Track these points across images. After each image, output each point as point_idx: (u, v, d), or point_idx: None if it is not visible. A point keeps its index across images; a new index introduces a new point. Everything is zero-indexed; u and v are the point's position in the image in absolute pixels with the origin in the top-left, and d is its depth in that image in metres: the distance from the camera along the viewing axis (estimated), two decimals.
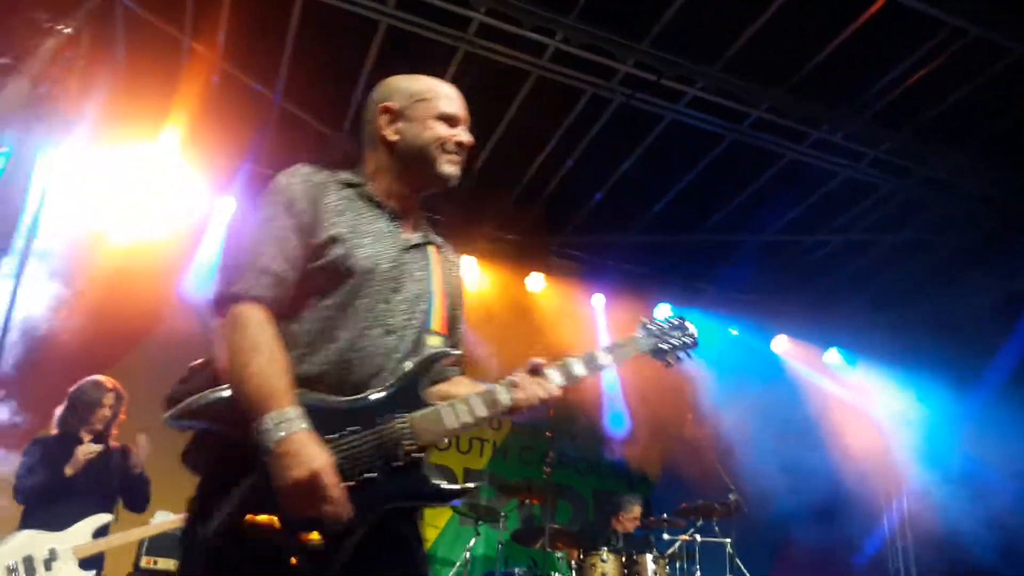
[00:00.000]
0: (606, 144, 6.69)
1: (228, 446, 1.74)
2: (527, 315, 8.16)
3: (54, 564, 4.44)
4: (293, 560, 1.67)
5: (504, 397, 1.95)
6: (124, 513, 4.92)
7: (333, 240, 1.91)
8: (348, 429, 1.77)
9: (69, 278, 5.40)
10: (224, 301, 1.84)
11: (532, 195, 7.46)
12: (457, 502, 1.68)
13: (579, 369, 2.11)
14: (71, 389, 4.85)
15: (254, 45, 5.79)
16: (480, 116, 6.96)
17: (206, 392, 1.77)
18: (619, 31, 5.52)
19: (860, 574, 8.85)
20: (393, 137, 2.10)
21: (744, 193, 7.29)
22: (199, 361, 1.89)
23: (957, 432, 8.05)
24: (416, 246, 2.08)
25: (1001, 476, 7.52)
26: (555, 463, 6.73)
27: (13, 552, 4.41)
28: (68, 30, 1.79)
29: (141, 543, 5.03)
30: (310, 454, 1.64)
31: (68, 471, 4.58)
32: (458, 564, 6.55)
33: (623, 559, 6.08)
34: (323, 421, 1.74)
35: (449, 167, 2.11)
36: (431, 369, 1.96)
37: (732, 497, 6.77)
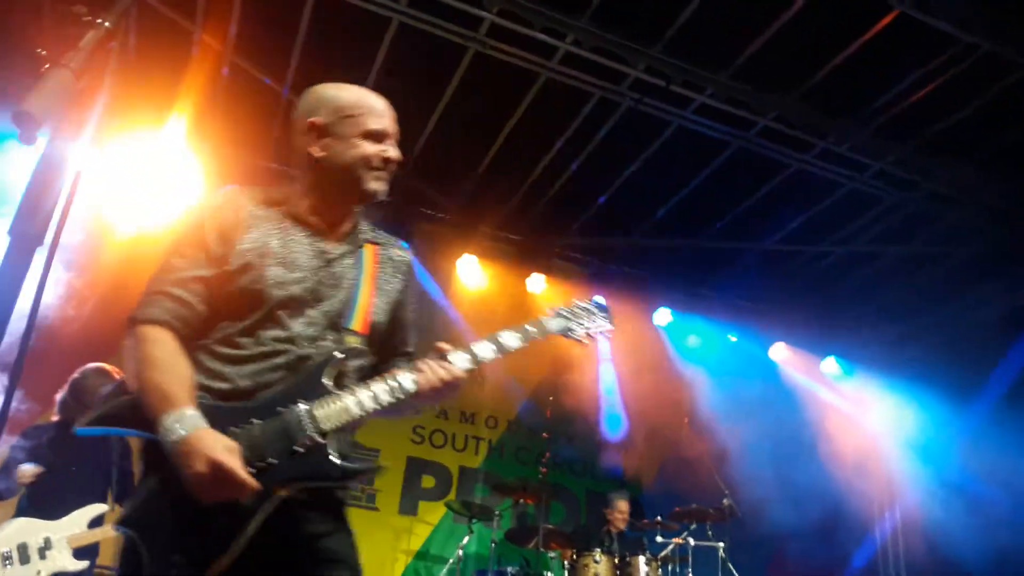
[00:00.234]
0: (612, 148, 6.69)
1: (141, 447, 1.91)
2: (527, 316, 8.14)
3: (48, 553, 4.43)
4: (195, 545, 1.80)
5: (407, 382, 2.05)
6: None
7: (246, 267, 2.02)
8: (252, 420, 1.90)
9: (76, 267, 5.40)
10: (130, 323, 1.99)
11: (536, 196, 7.46)
12: (361, 481, 1.81)
13: (484, 351, 2.17)
14: (73, 375, 4.84)
15: (265, 39, 5.78)
16: (487, 116, 6.99)
17: (113, 401, 1.94)
18: (630, 35, 5.52)
19: None
20: (319, 154, 2.14)
21: (748, 201, 7.29)
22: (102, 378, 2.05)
23: (953, 444, 8.07)
24: (340, 256, 2.15)
25: (995, 489, 7.54)
26: (551, 464, 6.76)
27: (8, 540, 4.40)
28: (107, 24, 1.79)
29: None
30: (207, 445, 1.77)
31: (18, 486, 4.54)
32: (451, 562, 6.58)
33: (616, 560, 6.12)
34: (226, 417, 1.88)
35: (375, 184, 2.15)
36: (334, 363, 2.02)
37: (726, 502, 6.81)
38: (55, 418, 4.81)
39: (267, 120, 6.54)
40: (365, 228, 2.27)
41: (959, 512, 7.60)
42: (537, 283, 8.26)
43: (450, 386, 2.09)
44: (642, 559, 6.12)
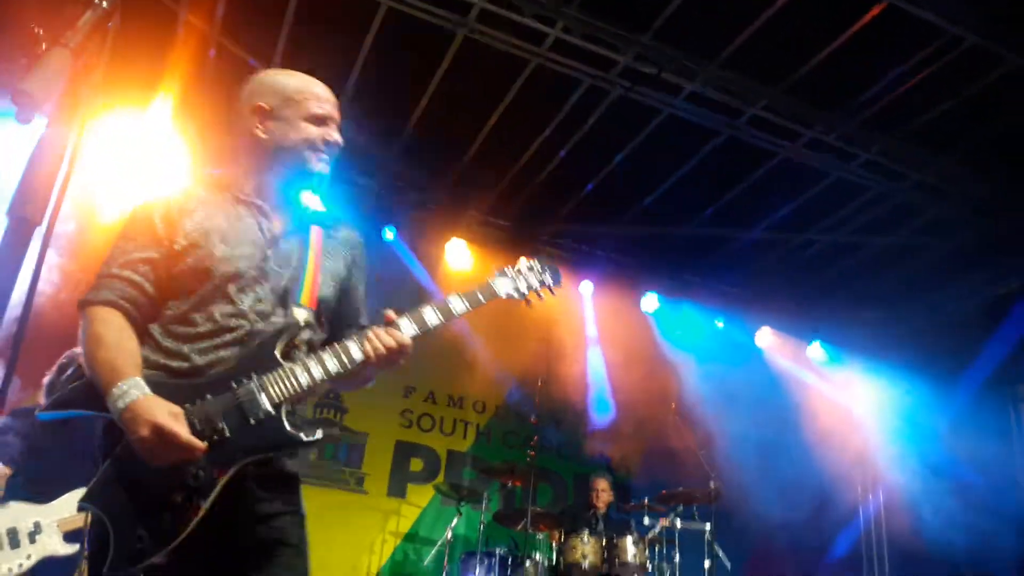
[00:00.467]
0: (601, 135, 6.70)
1: (103, 427, 1.97)
2: (515, 301, 8.18)
3: (38, 537, 4.42)
4: (158, 520, 1.86)
5: (354, 350, 2.10)
6: None
7: (192, 246, 2.09)
8: (206, 396, 1.96)
9: (65, 252, 5.38)
10: (81, 306, 2.06)
11: (525, 182, 7.47)
12: (313, 447, 1.86)
13: (431, 317, 2.23)
14: (60, 359, 4.83)
15: (252, 21, 5.74)
16: (476, 101, 6.98)
17: (72, 384, 2.00)
18: (620, 23, 5.53)
19: (836, 565, 8.99)
20: (264, 136, 2.22)
21: (736, 189, 7.32)
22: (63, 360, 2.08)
23: (936, 429, 8.17)
24: (286, 235, 2.23)
25: (977, 473, 7.65)
26: (538, 447, 6.81)
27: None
28: (104, 3, 1.80)
29: None
30: (151, 411, 1.84)
31: None
32: (440, 543, 6.64)
33: (603, 542, 6.18)
34: (181, 394, 1.94)
35: (319, 165, 2.24)
36: (285, 336, 2.09)
37: (712, 484, 6.87)
38: (42, 401, 4.80)
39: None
40: (309, 208, 2.34)
41: (942, 495, 7.71)
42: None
43: (397, 352, 2.14)
44: (629, 539, 6.19)
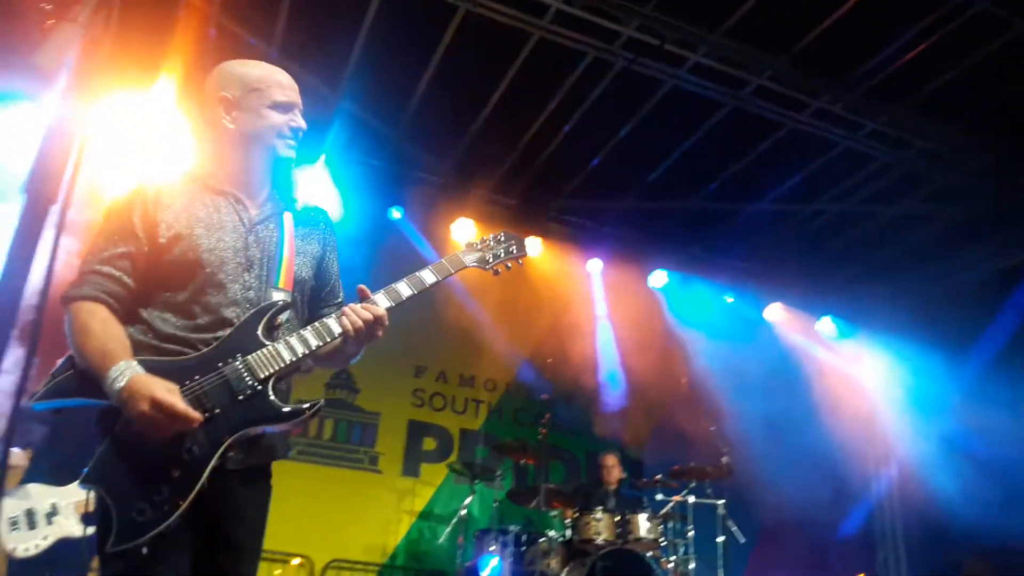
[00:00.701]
0: (606, 109, 6.68)
1: (96, 413, 2.06)
2: (524, 279, 8.20)
3: (55, 518, 4.47)
4: (156, 494, 1.96)
5: (333, 325, 2.22)
6: None
7: (176, 237, 2.18)
8: (195, 377, 2.06)
9: (82, 237, 5.37)
10: (64, 302, 2.14)
11: (530, 158, 7.45)
12: (300, 421, 2.03)
13: (404, 289, 2.34)
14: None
15: (252, 1, 5.73)
16: (478, 77, 6.96)
17: (63, 374, 2.08)
18: None
19: (848, 539, 8.99)
20: (230, 125, 2.31)
21: (743, 161, 7.30)
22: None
23: (947, 402, 8.14)
24: (261, 221, 2.32)
25: (988, 446, 7.62)
26: (550, 425, 6.82)
27: (16, 505, 4.44)
28: None
29: None
30: (148, 387, 1.94)
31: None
32: (454, 521, 6.66)
33: (617, 518, 6.19)
34: (171, 377, 2.02)
35: (285, 151, 2.34)
36: (266, 317, 2.19)
37: (724, 460, 6.87)
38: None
39: None
40: (279, 194, 2.43)
41: (954, 468, 7.69)
42: (533, 247, 8.29)
43: (374, 324, 2.23)
44: (642, 517, 6.18)
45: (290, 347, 2.16)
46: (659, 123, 6.79)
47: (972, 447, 7.70)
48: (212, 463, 2.00)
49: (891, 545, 9.08)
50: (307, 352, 2.17)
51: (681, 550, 6.50)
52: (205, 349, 2.11)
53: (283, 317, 2.24)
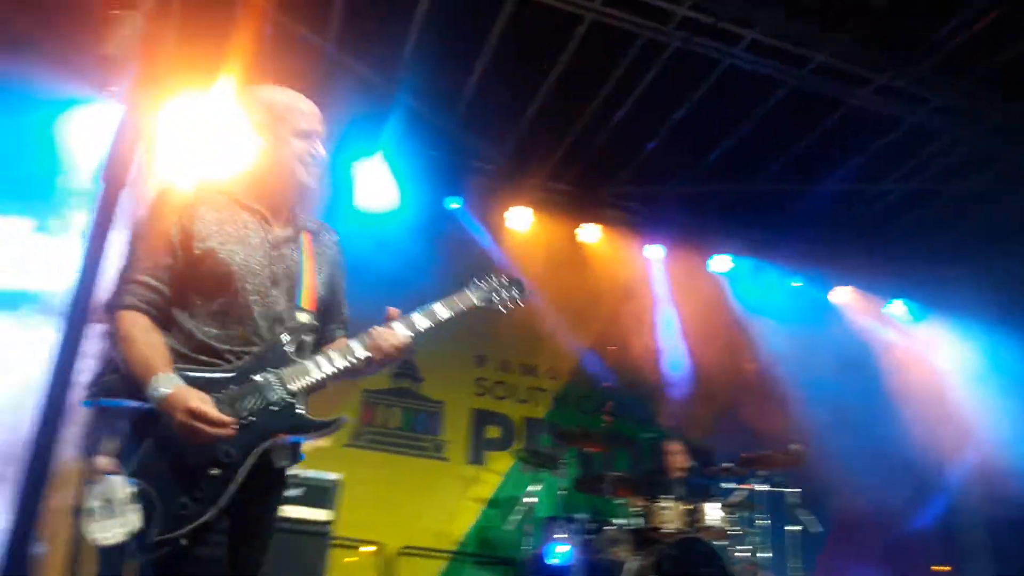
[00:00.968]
0: (661, 91, 6.62)
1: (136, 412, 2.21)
2: (582, 266, 8.19)
3: (131, 507, 4.64)
4: (198, 490, 2.17)
5: (358, 348, 2.42)
6: None
7: (208, 252, 2.32)
8: (230, 387, 2.24)
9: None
10: (106, 310, 2.30)
11: (584, 144, 7.41)
12: (326, 432, 2.34)
13: (420, 321, 2.53)
14: None
15: None
16: (532, 63, 6.95)
17: (107, 376, 2.25)
18: None
19: (925, 530, 8.73)
20: (257, 149, 2.48)
21: (805, 141, 7.15)
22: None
23: None
24: (285, 241, 2.48)
25: None
26: (614, 412, 6.78)
27: (96, 495, 4.62)
28: None
29: None
30: (185, 398, 2.11)
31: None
32: (521, 509, 6.67)
33: (685, 507, 6.12)
34: (207, 386, 2.20)
35: (306, 178, 2.50)
36: (297, 336, 2.40)
37: (794, 447, 6.73)
38: None
39: (311, 76, 6.49)
40: (301, 216, 2.59)
41: None
42: (590, 233, 8.26)
43: (396, 350, 2.44)
44: (713, 505, 6.09)
45: (318, 365, 2.37)
46: (716, 104, 6.70)
47: None
48: (248, 463, 2.20)
49: (969, 536, 8.76)
50: (334, 371, 2.37)
51: (752, 539, 6.38)
52: (238, 361, 2.29)
53: (308, 336, 2.46)
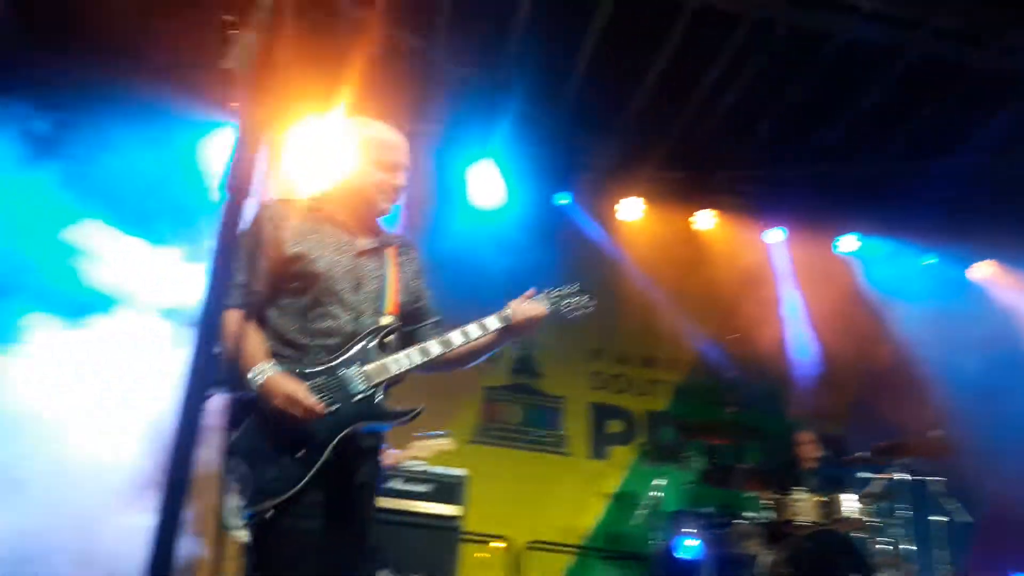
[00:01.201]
0: (772, 71, 6.44)
1: (237, 398, 2.48)
2: (698, 254, 8.05)
3: None
4: (286, 465, 2.41)
5: (434, 347, 2.71)
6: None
7: (298, 256, 2.61)
8: (321, 378, 2.52)
9: None
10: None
11: (695, 130, 7.28)
12: (403, 422, 2.67)
13: (493, 323, 2.82)
14: None
15: (410, 5, 5.95)
16: (636, 53, 6.87)
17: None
18: None
19: None
20: (345, 173, 2.79)
21: (930, 110, 6.78)
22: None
23: None
24: (369, 251, 2.76)
25: None
26: (739, 403, 6.64)
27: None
28: None
29: None
30: (282, 384, 2.42)
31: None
32: (647, 503, 6.63)
33: (819, 498, 5.92)
34: (301, 377, 2.48)
35: (385, 205, 2.80)
36: (377, 335, 2.65)
37: (933, 435, 6.39)
38: None
39: (420, 85, 6.63)
40: (384, 230, 2.88)
41: None
42: (705, 220, 8.12)
43: (533, 321, 2.85)
44: (848, 496, 5.87)
45: (397, 361, 2.64)
46: (833, 79, 6.46)
47: None
48: (333, 443, 2.46)
49: None
50: (412, 366, 2.65)
51: (894, 531, 6.10)
52: (327, 356, 2.56)
53: (391, 337, 2.71)
